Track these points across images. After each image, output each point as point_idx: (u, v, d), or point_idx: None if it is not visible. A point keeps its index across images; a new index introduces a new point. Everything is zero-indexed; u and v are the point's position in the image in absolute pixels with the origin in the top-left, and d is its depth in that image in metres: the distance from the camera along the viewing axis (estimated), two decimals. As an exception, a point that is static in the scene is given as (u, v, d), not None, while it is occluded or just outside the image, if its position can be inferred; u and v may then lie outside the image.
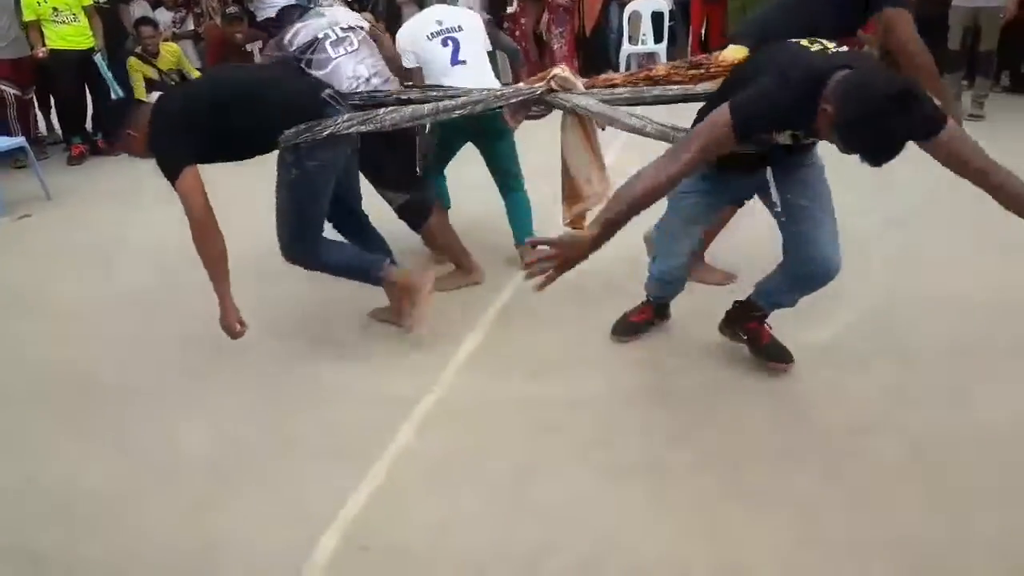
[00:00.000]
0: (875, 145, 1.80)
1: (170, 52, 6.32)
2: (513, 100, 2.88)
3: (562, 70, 2.90)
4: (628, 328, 2.96)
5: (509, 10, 7.45)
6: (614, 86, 2.87)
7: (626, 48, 7.97)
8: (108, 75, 6.16)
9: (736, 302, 2.75)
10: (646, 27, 7.94)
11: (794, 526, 1.99)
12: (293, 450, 2.44)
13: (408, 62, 3.43)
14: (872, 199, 4.04)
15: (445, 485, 2.23)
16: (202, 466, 2.38)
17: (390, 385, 2.76)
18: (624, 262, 3.21)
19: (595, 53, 8.35)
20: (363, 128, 2.73)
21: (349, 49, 3.16)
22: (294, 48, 3.15)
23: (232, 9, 5.99)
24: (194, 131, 2.58)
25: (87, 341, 3.19)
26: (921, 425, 2.35)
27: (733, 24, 7.56)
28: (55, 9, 6.05)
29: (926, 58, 2.69)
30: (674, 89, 2.72)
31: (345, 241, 2.95)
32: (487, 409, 2.59)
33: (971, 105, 5.96)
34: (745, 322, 2.70)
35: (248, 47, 5.93)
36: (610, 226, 1.95)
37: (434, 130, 3.40)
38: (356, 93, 3.03)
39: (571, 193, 3.15)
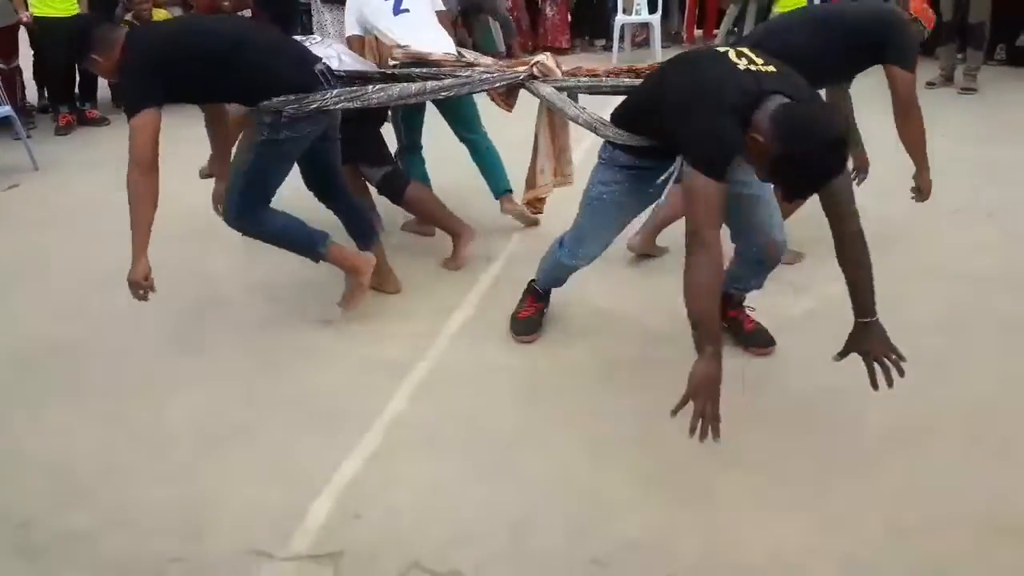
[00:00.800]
0: (803, 185, 1.85)
1: (161, 18, 6.23)
2: (497, 84, 2.92)
3: (546, 58, 2.97)
4: (527, 326, 2.85)
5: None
6: (596, 76, 2.94)
7: (620, 18, 7.90)
8: None
9: None
10: (640, -4, 7.88)
11: (782, 496, 2.02)
12: (286, 417, 2.45)
13: (351, 28, 3.54)
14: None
15: (437, 452, 2.26)
16: (193, 433, 2.39)
17: (383, 352, 2.78)
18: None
19: (590, 21, 8.30)
20: (350, 104, 2.71)
21: (313, 41, 3.19)
22: None
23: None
24: (174, 72, 2.50)
25: (76, 311, 3.19)
26: (907, 393, 2.38)
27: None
28: None
29: (918, 120, 2.85)
30: (625, 81, 2.79)
31: (290, 215, 2.87)
32: (479, 377, 2.61)
33: (963, 78, 5.95)
34: (726, 310, 2.64)
35: (238, 15, 5.84)
36: (710, 328, 1.90)
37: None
38: (342, 70, 3.00)
39: (529, 178, 3.34)
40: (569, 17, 8.34)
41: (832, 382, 2.42)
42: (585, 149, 3.16)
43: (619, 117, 2.40)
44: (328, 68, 2.80)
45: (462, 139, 3.70)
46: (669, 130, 2.07)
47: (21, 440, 2.42)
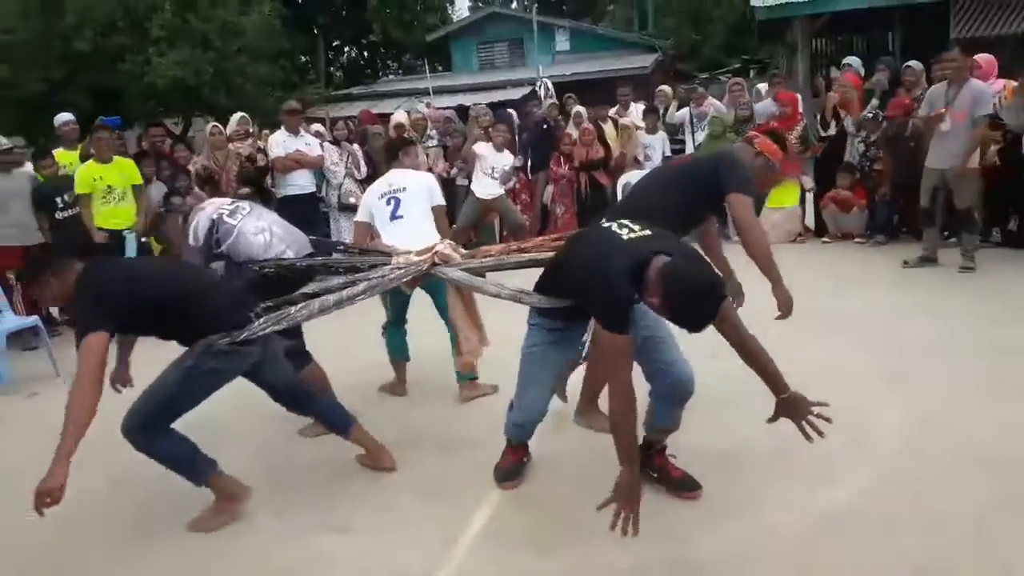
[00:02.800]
0: (696, 323, 2.25)
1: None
2: (405, 278, 3.32)
3: (444, 246, 3.42)
4: (508, 474, 3.14)
5: (508, 187, 7.87)
6: (488, 256, 3.43)
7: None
8: (133, 253, 6.29)
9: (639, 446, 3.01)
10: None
11: None
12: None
13: (360, 215, 4.15)
14: (875, 355, 4.10)
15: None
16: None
17: (401, 562, 2.66)
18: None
19: (597, 213, 8.71)
20: (277, 327, 2.96)
21: (244, 213, 3.63)
22: (200, 241, 3.60)
23: (244, 190, 6.30)
24: (125, 314, 2.71)
25: (77, 528, 3.09)
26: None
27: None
28: (109, 187, 6.19)
29: (758, 237, 3.12)
30: (526, 256, 3.30)
31: (187, 437, 2.96)
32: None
33: (962, 258, 6.17)
34: (652, 460, 2.99)
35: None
36: (630, 447, 2.42)
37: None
38: (267, 261, 3.43)
39: (459, 347, 3.88)
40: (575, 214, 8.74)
41: None
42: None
43: (539, 287, 2.87)
44: (259, 311, 3.02)
45: (444, 321, 4.08)
46: (576, 296, 2.61)
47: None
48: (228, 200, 3.89)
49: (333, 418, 3.33)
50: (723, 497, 2.88)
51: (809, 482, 2.95)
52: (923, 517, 2.67)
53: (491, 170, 7.49)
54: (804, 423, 2.56)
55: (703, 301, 2.23)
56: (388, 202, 4.01)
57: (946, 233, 6.68)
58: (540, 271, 2.99)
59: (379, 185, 4.15)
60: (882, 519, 2.68)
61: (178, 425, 2.90)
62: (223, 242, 3.52)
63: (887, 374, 3.97)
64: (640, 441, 2.86)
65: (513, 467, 3.15)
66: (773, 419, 2.62)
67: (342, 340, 4.74)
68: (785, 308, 3.16)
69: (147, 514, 3.11)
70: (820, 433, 2.54)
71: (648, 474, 2.96)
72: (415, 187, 4.06)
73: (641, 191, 3.45)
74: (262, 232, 3.55)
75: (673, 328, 2.54)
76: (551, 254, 3.15)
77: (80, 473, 2.66)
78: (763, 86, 8.95)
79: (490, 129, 7.81)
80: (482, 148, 7.54)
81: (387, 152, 4.69)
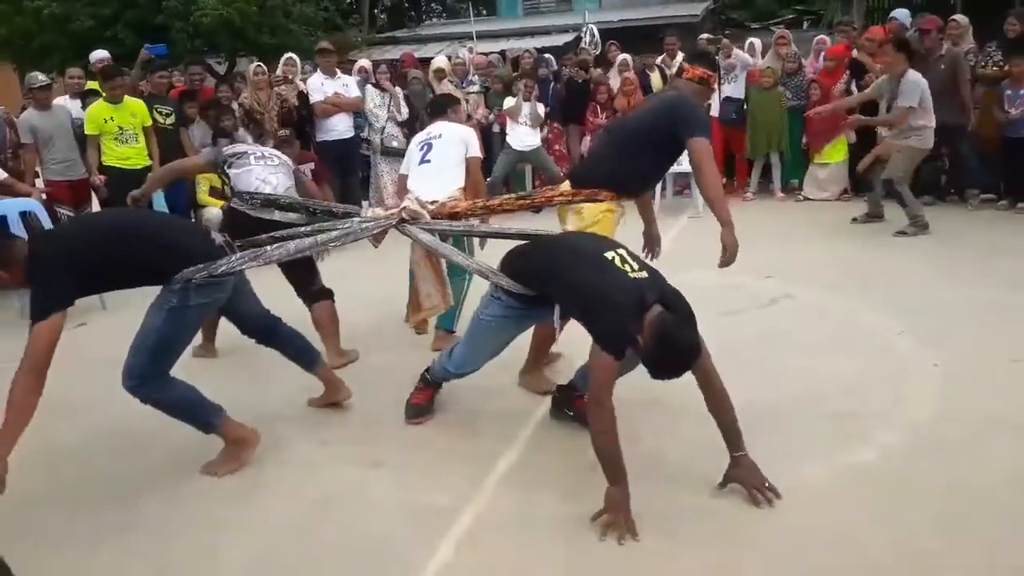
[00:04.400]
0: (664, 375, 2.45)
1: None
2: (375, 230, 3.40)
3: (411, 203, 3.45)
4: (420, 411, 3.31)
5: (542, 134, 7.84)
6: (457, 215, 3.52)
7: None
8: (161, 197, 6.41)
9: (559, 386, 3.29)
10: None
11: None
12: (330, 564, 2.42)
13: (403, 167, 4.32)
14: (907, 318, 4.05)
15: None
16: (238, 575, 2.37)
17: (431, 498, 2.75)
18: (648, 389, 3.23)
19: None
20: (254, 264, 2.98)
21: (268, 164, 3.88)
22: (226, 153, 3.92)
23: (283, 132, 6.33)
24: (88, 269, 2.63)
25: (134, 454, 3.24)
26: (981, 560, 2.26)
27: (752, 145, 7.90)
28: (120, 128, 6.34)
29: (711, 178, 3.21)
30: (493, 229, 3.57)
31: (190, 384, 2.97)
32: (525, 527, 2.56)
33: (908, 226, 6.23)
34: (572, 401, 3.19)
35: (300, 168, 6.21)
36: (616, 466, 2.49)
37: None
38: (258, 193, 3.70)
39: (414, 303, 3.76)
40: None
41: (895, 547, 2.32)
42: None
43: (512, 269, 2.95)
44: (228, 241, 3.06)
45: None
46: (567, 303, 2.75)
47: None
48: (272, 152, 4.13)
49: (299, 351, 3.38)
50: (752, 448, 2.88)
51: (839, 438, 2.95)
52: (950, 481, 2.67)
53: (525, 119, 7.53)
54: (755, 491, 2.58)
55: (680, 360, 2.42)
56: (422, 148, 4.15)
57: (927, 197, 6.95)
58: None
59: (420, 135, 4.33)
60: (913, 479, 2.68)
61: (220, 363, 2.98)
62: (234, 167, 3.85)
63: (921, 336, 3.92)
64: (565, 382, 3.25)
65: (426, 405, 3.35)
66: (723, 485, 2.65)
67: (360, 281, 4.81)
68: (729, 252, 3.19)
69: (176, 453, 3.24)
70: (770, 502, 2.56)
71: (563, 412, 3.25)
72: (450, 135, 4.16)
73: (601, 155, 3.59)
74: (263, 182, 3.81)
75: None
76: (516, 226, 3.37)
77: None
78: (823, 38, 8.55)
79: (521, 82, 7.77)
80: (510, 103, 7.57)
81: (432, 107, 4.73)
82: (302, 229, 3.38)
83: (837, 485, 2.68)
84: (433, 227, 3.38)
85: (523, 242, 3.16)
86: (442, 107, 4.52)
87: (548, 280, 2.82)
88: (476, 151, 4.23)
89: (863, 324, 4.19)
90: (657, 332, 2.40)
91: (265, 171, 3.88)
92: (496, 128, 8.13)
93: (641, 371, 2.53)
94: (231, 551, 2.52)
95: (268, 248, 3.11)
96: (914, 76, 6.08)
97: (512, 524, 2.58)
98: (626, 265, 2.63)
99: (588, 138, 8.20)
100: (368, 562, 2.43)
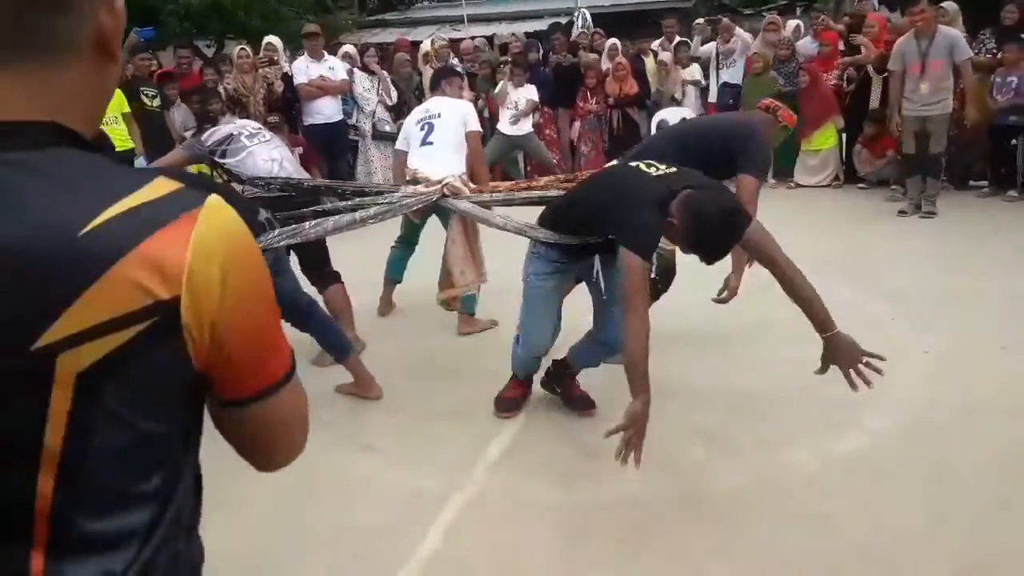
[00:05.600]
0: (716, 248, 2.40)
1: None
2: (416, 206, 3.44)
3: (454, 179, 3.47)
4: (508, 405, 3.25)
5: (533, 121, 7.78)
6: (498, 191, 3.53)
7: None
8: None
9: (554, 361, 3.23)
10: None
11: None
12: (319, 551, 2.41)
13: (399, 143, 4.23)
14: (899, 304, 4.06)
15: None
16: (226, 562, 2.36)
17: (421, 482, 2.75)
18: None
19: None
20: (292, 240, 3.02)
21: (262, 140, 3.69)
22: (208, 143, 3.65)
23: (272, 118, 6.28)
24: None
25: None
26: (964, 545, 2.28)
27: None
28: None
29: (753, 212, 3.06)
30: (536, 193, 3.42)
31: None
32: (515, 513, 2.57)
33: (924, 204, 6.23)
34: (562, 379, 3.22)
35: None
36: (644, 377, 2.37)
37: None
38: (276, 179, 3.51)
39: (446, 280, 3.79)
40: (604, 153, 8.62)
41: (882, 532, 2.33)
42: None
43: (546, 219, 2.94)
44: (272, 216, 2.99)
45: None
46: (599, 224, 2.66)
47: None
48: (256, 125, 3.97)
49: (331, 339, 3.38)
50: (741, 434, 2.91)
51: (826, 428, 2.97)
52: (937, 467, 2.68)
53: (513, 105, 7.45)
54: (854, 371, 2.43)
55: (721, 230, 2.36)
56: (422, 128, 4.08)
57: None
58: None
59: (418, 112, 4.26)
60: (901, 465, 2.70)
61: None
62: (229, 156, 3.60)
63: (912, 322, 3.94)
64: (560, 357, 3.21)
65: (514, 400, 3.26)
66: (822, 370, 2.51)
67: (362, 265, 4.79)
68: (733, 294, 3.36)
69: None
70: (869, 384, 2.42)
71: (552, 387, 3.27)
72: (450, 114, 4.09)
73: (659, 148, 3.49)
74: (273, 161, 3.63)
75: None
76: (561, 192, 3.29)
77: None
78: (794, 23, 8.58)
79: (506, 67, 7.72)
80: (501, 88, 7.51)
81: (431, 80, 4.70)
82: (341, 205, 3.36)
83: (825, 470, 2.70)
84: (474, 200, 3.38)
85: None
86: (436, 80, 4.47)
87: (581, 209, 2.80)
88: (475, 125, 4.20)
89: (854, 310, 4.18)
90: (687, 211, 2.37)
91: (267, 150, 3.70)
92: (486, 114, 8.06)
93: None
94: (217, 535, 2.50)
95: (307, 225, 3.08)
96: (950, 28, 5.90)
97: (502, 510, 2.59)
98: (651, 168, 2.61)
99: (578, 123, 8.17)
100: (357, 547, 2.42)
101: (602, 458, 2.83)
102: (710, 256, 2.43)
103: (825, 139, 7.68)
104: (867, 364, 2.42)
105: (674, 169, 2.59)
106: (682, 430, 2.97)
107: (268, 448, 0.95)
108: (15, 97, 0.69)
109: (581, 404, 3.20)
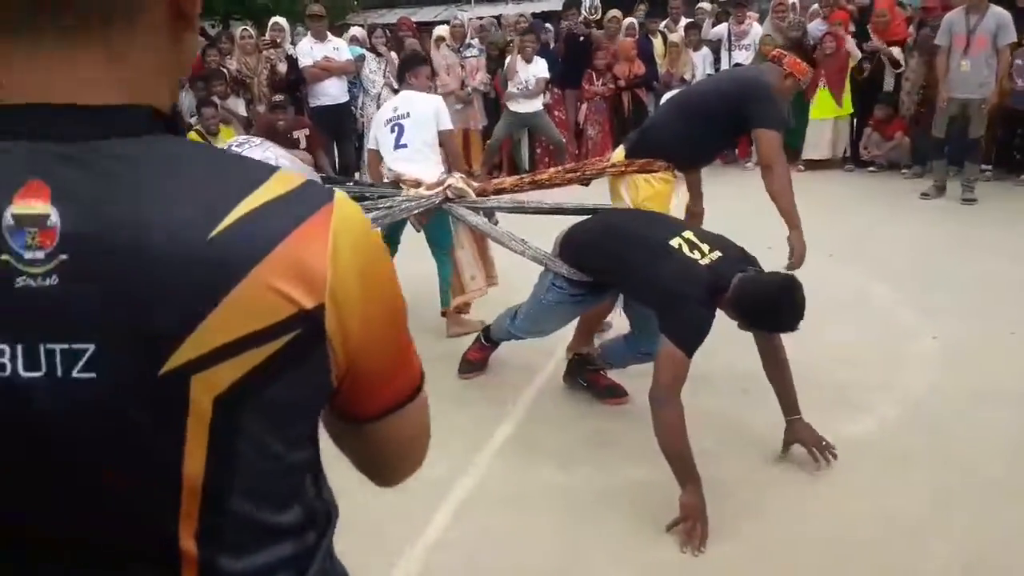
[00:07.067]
0: (781, 326, 2.39)
1: (227, 134, 6.57)
2: (416, 210, 3.34)
3: (456, 180, 3.33)
4: (475, 366, 3.31)
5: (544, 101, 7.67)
6: (503, 190, 3.42)
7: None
8: None
9: (576, 354, 3.19)
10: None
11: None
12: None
13: (369, 143, 4.13)
14: (909, 289, 4.03)
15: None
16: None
17: (424, 467, 2.72)
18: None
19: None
20: None
21: (253, 144, 3.46)
22: None
23: (278, 98, 6.25)
24: None
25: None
26: (969, 531, 2.27)
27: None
28: None
29: (780, 176, 3.08)
30: (547, 205, 3.31)
31: None
32: (521, 498, 2.57)
33: (962, 190, 6.11)
34: (585, 372, 3.17)
35: (294, 134, 6.16)
36: (689, 466, 2.31)
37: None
38: None
39: (457, 286, 3.71)
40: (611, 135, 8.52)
41: (886, 518, 2.32)
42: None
43: (565, 251, 2.81)
44: None
45: (433, 253, 3.87)
46: (634, 290, 2.67)
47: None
48: (244, 137, 3.83)
49: None
50: (747, 421, 2.90)
51: (835, 412, 2.95)
52: (943, 453, 2.67)
53: (524, 83, 7.26)
54: (815, 450, 2.57)
55: (780, 303, 2.31)
56: (392, 129, 3.87)
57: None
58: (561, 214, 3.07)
59: (384, 111, 4.03)
60: (907, 451, 2.69)
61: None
62: None
63: (922, 307, 3.91)
64: (584, 350, 3.17)
65: (481, 361, 3.35)
66: (785, 449, 2.64)
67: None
68: (798, 257, 3.06)
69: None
70: (828, 461, 2.56)
71: (577, 382, 3.21)
72: (419, 112, 3.86)
73: (662, 121, 3.42)
74: (267, 160, 3.53)
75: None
76: (571, 204, 3.24)
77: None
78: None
79: (519, 40, 7.55)
80: (510, 64, 7.32)
81: (398, 71, 4.48)
82: None
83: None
84: (480, 205, 3.29)
85: (577, 220, 2.96)
86: (401, 73, 4.27)
87: (613, 274, 2.72)
88: (447, 122, 3.97)
89: (865, 295, 4.17)
90: (741, 302, 2.33)
91: (259, 152, 3.52)
92: (492, 94, 7.98)
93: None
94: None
95: None
96: (1001, 9, 5.77)
97: (508, 496, 2.59)
98: (695, 252, 2.45)
99: (584, 106, 8.07)
100: (363, 533, 2.42)
101: (607, 445, 2.84)
102: (786, 327, 2.39)
103: (830, 105, 7.49)
104: (826, 446, 2.57)
105: (719, 254, 2.46)
106: (691, 413, 2.92)
107: (391, 465, 0.86)
108: (95, 75, 0.59)
109: (614, 392, 3.13)
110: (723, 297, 2.35)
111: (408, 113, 3.86)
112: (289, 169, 2.99)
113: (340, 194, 0.65)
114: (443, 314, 3.88)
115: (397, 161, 3.82)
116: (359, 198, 3.51)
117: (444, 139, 3.96)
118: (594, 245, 2.76)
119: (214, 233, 0.57)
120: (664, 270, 2.42)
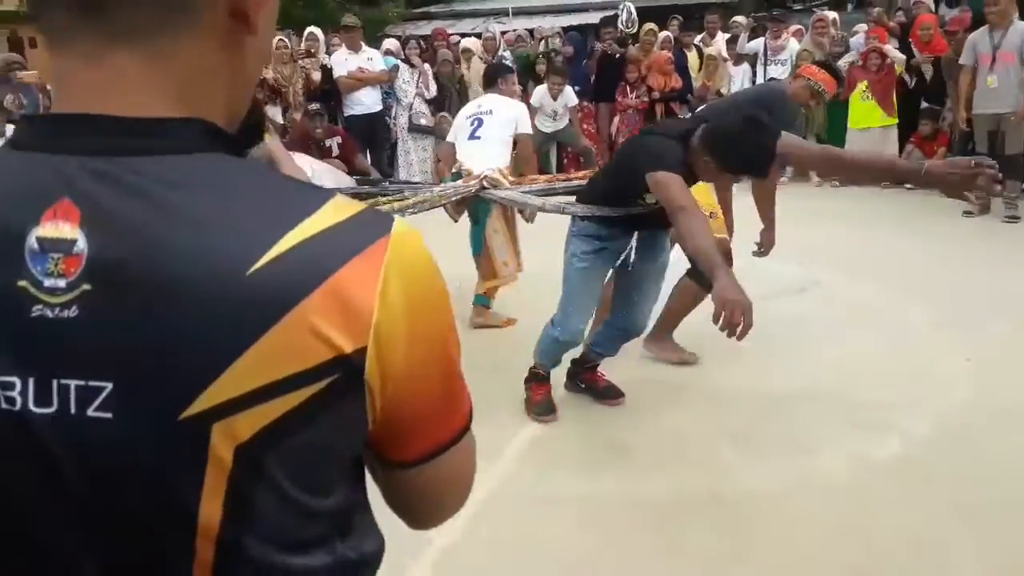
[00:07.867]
0: (750, 160, 2.44)
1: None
2: (454, 197, 3.48)
3: (493, 172, 3.51)
4: (545, 408, 3.10)
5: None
6: (535, 183, 3.62)
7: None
8: None
9: (573, 360, 3.18)
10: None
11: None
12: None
13: (449, 135, 4.29)
14: (940, 307, 3.93)
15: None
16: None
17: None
18: (675, 370, 3.29)
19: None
20: None
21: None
22: None
23: (314, 106, 6.33)
24: None
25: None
26: (997, 557, 2.19)
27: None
28: None
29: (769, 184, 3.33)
30: (575, 183, 3.46)
31: None
32: (539, 506, 2.54)
33: (1004, 208, 5.92)
34: (583, 374, 3.19)
35: (327, 142, 6.22)
36: (716, 260, 2.29)
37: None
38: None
39: (488, 271, 3.87)
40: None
41: (912, 536, 2.25)
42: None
43: (584, 195, 2.98)
44: None
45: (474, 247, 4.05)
46: (630, 177, 2.64)
47: None
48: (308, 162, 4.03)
49: None
50: (772, 436, 2.85)
51: (863, 431, 2.88)
52: (976, 471, 2.58)
53: (552, 113, 7.17)
54: (975, 186, 2.30)
55: (746, 130, 2.41)
56: (472, 122, 4.11)
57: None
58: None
59: (470, 106, 4.33)
60: (934, 471, 2.61)
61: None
62: None
63: (953, 325, 3.81)
64: (577, 356, 3.18)
65: (546, 401, 3.11)
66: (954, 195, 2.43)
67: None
68: (768, 250, 3.34)
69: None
70: (997, 192, 2.49)
71: (576, 385, 3.23)
72: (501, 113, 4.10)
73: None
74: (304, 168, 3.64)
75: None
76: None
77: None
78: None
79: (546, 78, 7.41)
80: (538, 97, 7.19)
81: (485, 77, 4.71)
82: (381, 198, 3.42)
83: (855, 475, 2.62)
84: (513, 192, 3.44)
85: None
86: (492, 78, 4.47)
87: (614, 176, 2.86)
88: (526, 127, 4.22)
89: (894, 312, 4.07)
90: (708, 134, 2.47)
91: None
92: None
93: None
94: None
95: None
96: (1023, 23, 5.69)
97: (525, 502, 2.56)
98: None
99: (618, 118, 8.05)
100: (377, 535, 2.41)
101: (629, 454, 2.80)
102: (751, 166, 2.47)
103: (872, 115, 7.32)
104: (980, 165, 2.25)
105: (702, 119, 2.70)
106: (712, 429, 2.91)
107: (429, 510, 0.77)
108: (142, 83, 0.55)
109: (611, 393, 3.17)
110: (691, 144, 2.50)
111: (491, 111, 4.10)
112: (334, 187, 2.97)
113: (400, 223, 0.58)
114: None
115: (467, 152, 3.96)
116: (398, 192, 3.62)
117: (521, 144, 4.19)
118: (602, 173, 3.13)
119: (257, 267, 0.52)
120: (642, 138, 2.79)
